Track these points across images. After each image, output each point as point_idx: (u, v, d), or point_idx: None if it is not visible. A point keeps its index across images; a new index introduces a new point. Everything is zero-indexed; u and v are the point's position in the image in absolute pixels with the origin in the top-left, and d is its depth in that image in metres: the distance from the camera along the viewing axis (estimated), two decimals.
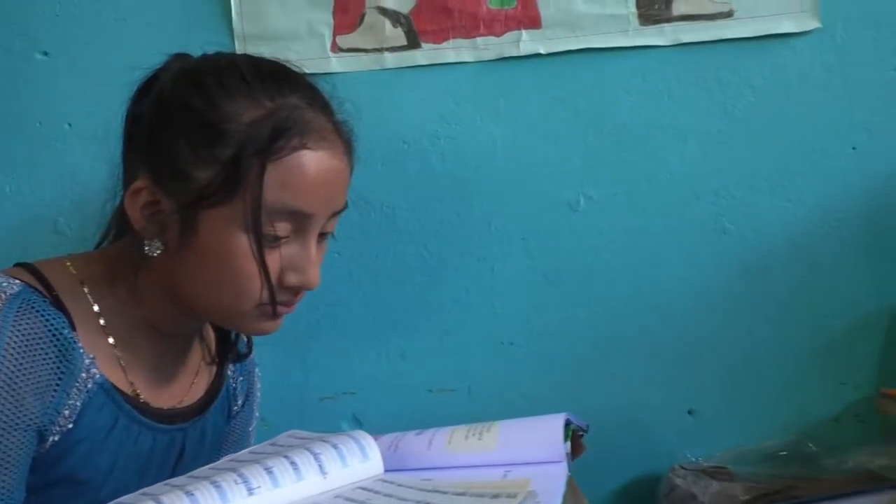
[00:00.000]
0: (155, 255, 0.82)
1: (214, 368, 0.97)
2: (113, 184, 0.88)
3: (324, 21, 1.17)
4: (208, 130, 0.79)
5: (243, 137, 0.78)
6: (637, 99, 1.14)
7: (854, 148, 1.12)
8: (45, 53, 1.20)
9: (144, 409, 0.86)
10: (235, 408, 1.00)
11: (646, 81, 1.14)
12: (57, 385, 0.77)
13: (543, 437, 0.78)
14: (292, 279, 0.83)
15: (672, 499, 1.07)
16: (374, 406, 1.20)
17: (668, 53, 1.13)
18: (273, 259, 0.81)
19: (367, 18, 1.16)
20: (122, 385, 0.84)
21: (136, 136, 0.84)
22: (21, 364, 0.75)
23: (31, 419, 0.76)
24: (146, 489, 0.69)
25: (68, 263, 0.85)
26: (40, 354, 0.76)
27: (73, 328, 0.80)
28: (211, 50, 0.88)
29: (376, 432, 0.85)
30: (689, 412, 1.17)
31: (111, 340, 0.84)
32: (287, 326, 0.91)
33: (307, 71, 0.90)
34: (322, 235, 0.85)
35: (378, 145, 1.15)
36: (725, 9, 1.11)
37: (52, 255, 0.87)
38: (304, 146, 0.80)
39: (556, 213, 1.16)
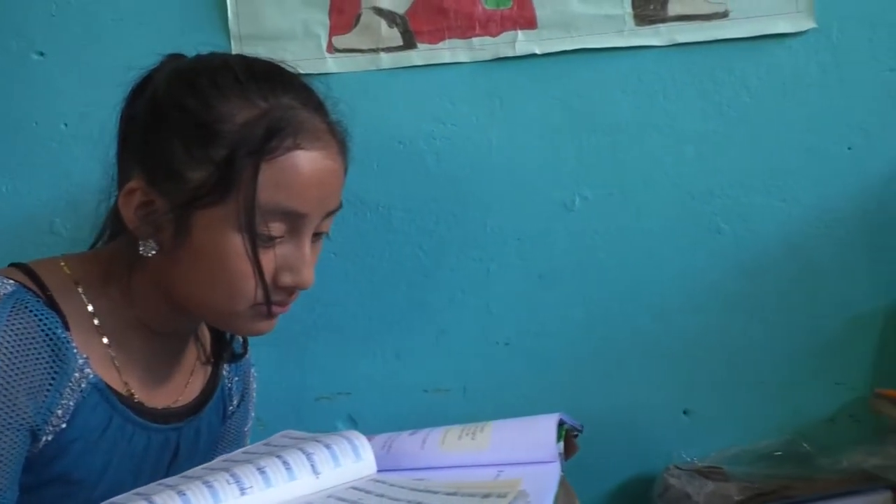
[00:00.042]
0: (149, 255, 0.82)
1: (210, 368, 0.97)
2: (107, 184, 0.88)
3: (320, 21, 1.17)
4: (202, 131, 0.79)
5: (237, 138, 0.78)
6: (632, 99, 1.14)
7: (849, 148, 1.12)
8: (42, 54, 1.21)
9: (139, 408, 0.86)
10: (231, 408, 1.00)
11: (641, 82, 1.14)
12: (50, 385, 0.77)
13: (536, 437, 0.78)
14: (287, 279, 0.83)
15: (667, 499, 1.07)
16: (370, 406, 1.20)
17: (663, 54, 1.13)
18: (267, 259, 0.81)
19: (362, 19, 1.17)
20: (117, 385, 0.84)
21: (131, 136, 0.85)
22: (14, 364, 0.75)
23: (24, 419, 0.76)
24: (139, 489, 0.69)
25: (62, 263, 0.85)
26: (33, 354, 0.76)
27: (67, 328, 0.80)
28: (207, 50, 0.87)
29: (372, 432, 0.85)
30: (684, 412, 1.17)
31: (105, 340, 0.84)
32: (283, 327, 0.91)
33: (303, 71, 0.90)
34: (316, 235, 0.85)
35: (374, 146, 1.15)
36: (721, 9, 1.12)
37: (48, 256, 0.87)
38: (297, 146, 0.80)
39: (551, 214, 1.16)
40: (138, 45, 1.13)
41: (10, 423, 0.75)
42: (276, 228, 0.80)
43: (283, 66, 0.85)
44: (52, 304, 0.80)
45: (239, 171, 0.78)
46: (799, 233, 1.13)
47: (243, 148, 0.78)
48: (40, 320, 0.78)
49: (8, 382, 0.75)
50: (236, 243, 0.79)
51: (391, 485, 0.72)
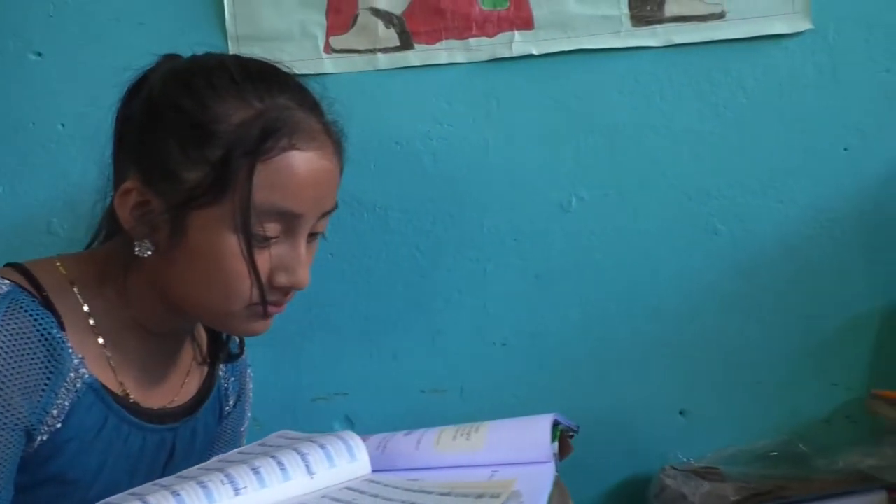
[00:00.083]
0: (145, 255, 0.82)
1: (206, 368, 0.97)
2: (103, 184, 0.88)
3: (317, 22, 1.17)
4: (198, 131, 0.79)
5: (232, 138, 0.78)
6: (629, 100, 1.14)
7: (846, 149, 1.12)
8: (39, 54, 1.21)
9: (134, 408, 0.86)
10: (227, 408, 1.00)
11: (638, 82, 1.14)
12: (45, 385, 0.78)
13: (531, 437, 0.78)
14: (282, 279, 0.83)
15: (662, 499, 1.07)
16: (367, 406, 1.20)
17: (660, 54, 1.13)
18: (263, 259, 0.81)
19: (360, 19, 1.17)
20: (112, 385, 0.84)
21: (127, 136, 0.85)
22: (9, 364, 0.75)
23: (18, 419, 0.76)
24: (133, 489, 0.69)
25: (58, 264, 0.85)
26: (28, 354, 0.77)
27: (63, 328, 0.80)
28: (204, 51, 0.88)
29: (368, 433, 0.85)
30: (681, 412, 1.17)
31: (101, 340, 0.84)
32: (280, 327, 0.91)
33: (300, 72, 0.90)
34: (312, 235, 0.85)
35: (371, 146, 1.16)
36: (717, 10, 1.12)
37: (45, 256, 0.87)
38: (293, 146, 0.80)
39: (548, 214, 1.17)
40: (136, 46, 1.12)
41: (4, 423, 0.75)
42: (272, 229, 0.81)
43: (278, 66, 0.86)
44: (48, 305, 0.80)
45: (234, 171, 0.78)
46: (795, 233, 1.14)
47: (239, 148, 0.78)
48: (36, 320, 0.78)
49: (3, 382, 0.75)
50: (232, 243, 0.79)
51: (385, 485, 0.72)
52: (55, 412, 0.79)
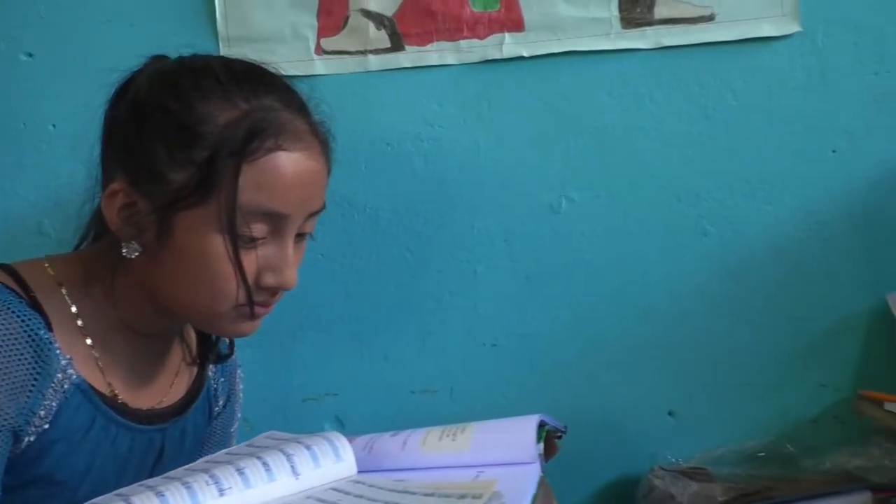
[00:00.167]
0: (132, 256, 0.82)
1: (195, 369, 0.97)
2: (91, 186, 0.89)
3: (308, 23, 1.17)
4: (184, 132, 0.79)
5: (218, 139, 0.78)
6: (619, 102, 1.15)
7: (834, 151, 1.13)
8: (30, 55, 1.21)
9: (122, 409, 0.86)
10: (216, 408, 1.00)
11: (627, 84, 1.14)
12: (32, 386, 0.78)
13: (516, 438, 0.78)
14: (269, 280, 0.83)
15: (651, 499, 1.07)
16: (357, 407, 1.21)
17: (649, 57, 1.14)
18: (249, 260, 0.81)
19: (350, 21, 1.17)
20: (100, 386, 0.84)
21: (114, 137, 0.85)
22: None
23: (5, 420, 0.76)
24: (119, 490, 0.69)
25: (46, 265, 0.85)
26: (16, 355, 0.76)
27: (50, 329, 0.80)
28: (195, 52, 0.88)
29: (359, 433, 0.86)
30: (669, 413, 1.17)
31: (89, 341, 0.84)
32: (270, 328, 0.91)
33: (291, 73, 0.91)
34: (300, 236, 0.85)
35: (361, 147, 1.16)
36: (707, 12, 1.12)
37: (35, 256, 0.87)
38: (279, 147, 0.80)
39: (538, 215, 1.17)
40: (127, 47, 1.10)
41: None
42: (259, 229, 0.81)
43: (265, 67, 0.86)
44: (36, 305, 0.80)
45: (220, 172, 0.78)
46: (784, 235, 1.14)
47: (225, 149, 0.78)
48: (23, 321, 0.78)
49: None
50: (218, 244, 0.79)
51: (370, 486, 0.72)
52: (42, 413, 0.79)
